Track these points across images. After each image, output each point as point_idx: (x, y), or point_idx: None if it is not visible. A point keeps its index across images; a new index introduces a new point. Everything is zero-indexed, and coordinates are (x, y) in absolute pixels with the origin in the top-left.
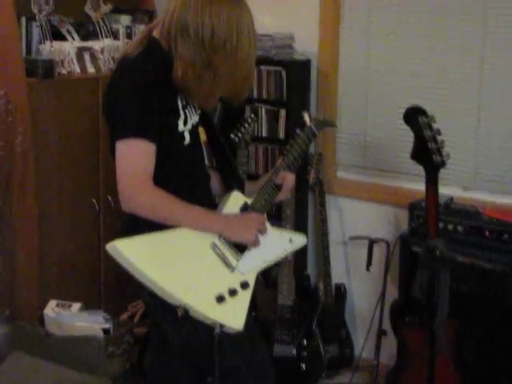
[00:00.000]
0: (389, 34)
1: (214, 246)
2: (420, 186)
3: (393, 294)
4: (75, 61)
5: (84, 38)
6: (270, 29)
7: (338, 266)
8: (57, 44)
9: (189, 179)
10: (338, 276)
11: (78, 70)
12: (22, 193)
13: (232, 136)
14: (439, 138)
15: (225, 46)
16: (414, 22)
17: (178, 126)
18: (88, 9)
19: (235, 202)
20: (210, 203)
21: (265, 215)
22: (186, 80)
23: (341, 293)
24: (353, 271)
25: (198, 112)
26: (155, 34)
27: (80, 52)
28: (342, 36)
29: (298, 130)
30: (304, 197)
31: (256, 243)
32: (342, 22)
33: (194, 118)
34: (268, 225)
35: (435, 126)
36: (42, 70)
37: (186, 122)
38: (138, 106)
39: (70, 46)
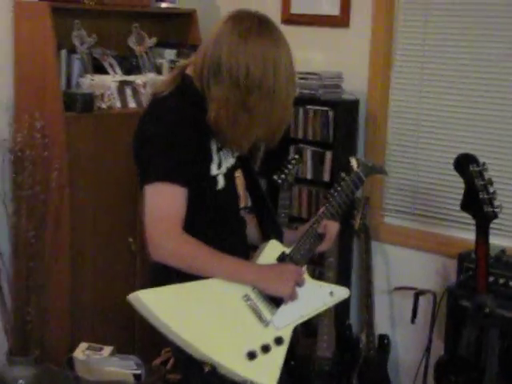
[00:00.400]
0: (443, 76)
1: (247, 299)
2: (471, 236)
3: (438, 348)
4: (116, 95)
5: (127, 72)
6: (317, 67)
7: (382, 316)
8: (98, 77)
9: (222, 226)
10: (381, 327)
11: (118, 104)
12: (56, 230)
13: (275, 177)
14: (491, 188)
15: (260, 87)
16: (471, 65)
17: (210, 169)
18: (132, 42)
19: (272, 251)
20: (245, 252)
21: (304, 267)
22: (220, 122)
23: (384, 344)
24: (397, 322)
25: (235, 155)
26: (189, 71)
27: (122, 86)
28: (393, 75)
29: (343, 174)
30: (349, 243)
31: (293, 297)
32: (393, 60)
33: (229, 161)
34: (307, 276)
35: (487, 175)
36: (80, 104)
37: (219, 166)
38: (168, 148)
39: (111, 80)
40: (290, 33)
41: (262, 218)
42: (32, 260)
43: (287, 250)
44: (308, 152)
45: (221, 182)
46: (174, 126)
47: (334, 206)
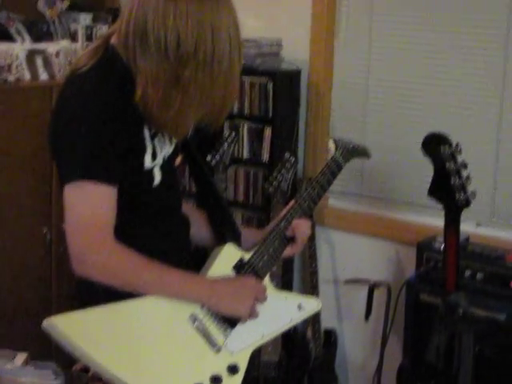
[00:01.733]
0: (394, 42)
1: (194, 319)
2: (431, 221)
3: (393, 348)
4: (25, 65)
5: (37, 39)
6: (253, 33)
7: (328, 309)
8: (3, 45)
9: (160, 230)
10: (328, 321)
11: (28, 76)
12: None
13: (208, 158)
14: (464, 172)
15: (196, 57)
16: (425, 29)
17: (144, 162)
18: (42, 5)
19: (227, 258)
20: (188, 260)
21: (267, 277)
22: (148, 103)
23: (331, 341)
24: (344, 316)
25: (173, 141)
26: (114, 40)
27: (31, 55)
28: (337, 42)
29: (287, 155)
30: None
31: (251, 316)
32: (338, 24)
33: (165, 150)
34: (269, 287)
35: (460, 157)
36: None
37: (154, 156)
38: (91, 139)
39: (19, 48)
40: None
41: (212, 214)
42: None
43: (246, 256)
44: (245, 128)
45: (157, 177)
46: (97, 108)
47: (305, 200)
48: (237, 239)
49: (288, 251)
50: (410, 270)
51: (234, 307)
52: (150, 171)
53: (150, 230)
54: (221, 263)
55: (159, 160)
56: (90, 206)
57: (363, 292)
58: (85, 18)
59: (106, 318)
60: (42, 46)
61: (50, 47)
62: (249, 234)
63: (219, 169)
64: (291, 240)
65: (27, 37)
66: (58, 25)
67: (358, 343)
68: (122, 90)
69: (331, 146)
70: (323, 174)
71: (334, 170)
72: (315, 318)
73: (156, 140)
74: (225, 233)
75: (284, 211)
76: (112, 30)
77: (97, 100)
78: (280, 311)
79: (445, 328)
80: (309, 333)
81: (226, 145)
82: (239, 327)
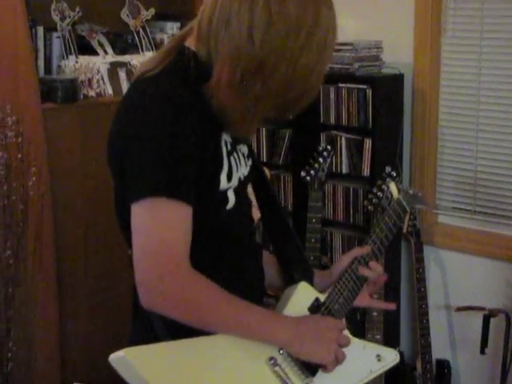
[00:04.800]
0: (507, 40)
1: (273, 363)
2: None
3: None
4: (107, 80)
5: (120, 51)
6: (351, 36)
7: (439, 338)
8: (84, 59)
9: (233, 260)
10: (439, 351)
11: (109, 91)
12: (38, 247)
13: (303, 174)
14: None
15: (285, 45)
16: None
17: (219, 181)
18: (125, 15)
19: (302, 298)
20: (262, 296)
21: (343, 320)
22: (221, 89)
23: (444, 373)
24: (458, 346)
25: (249, 163)
26: (189, 43)
27: (114, 69)
28: (444, 42)
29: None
30: (396, 249)
31: (335, 363)
32: (444, 24)
33: (241, 171)
34: (348, 334)
35: None
36: (61, 93)
37: (230, 177)
38: (164, 150)
39: (101, 62)
40: None
41: (282, 251)
42: (11, 285)
43: (322, 297)
44: (342, 141)
45: (231, 200)
46: (170, 115)
47: (375, 243)
48: (309, 279)
49: (361, 301)
50: None
51: (317, 352)
52: (225, 193)
53: (221, 262)
54: (295, 304)
55: (234, 182)
56: (162, 227)
57: (479, 319)
58: (172, 27)
59: (181, 353)
60: (125, 58)
61: (134, 59)
62: (319, 275)
63: (314, 186)
64: (363, 282)
65: (110, 49)
66: (143, 35)
67: (474, 377)
68: (198, 94)
69: (393, 188)
70: (389, 216)
71: (399, 212)
72: (425, 348)
73: (232, 159)
74: (295, 271)
75: (352, 253)
76: (185, 30)
77: (169, 106)
78: (359, 361)
79: None
80: (418, 364)
81: (321, 159)
82: (320, 375)
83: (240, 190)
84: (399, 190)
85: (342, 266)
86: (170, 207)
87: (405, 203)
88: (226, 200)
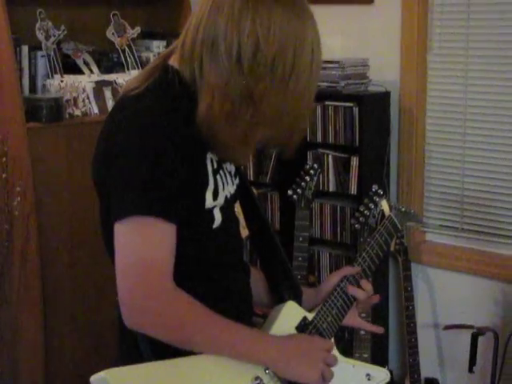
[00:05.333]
0: (492, 57)
1: (259, 383)
2: None
3: None
4: (92, 98)
5: (106, 70)
6: (337, 53)
7: (428, 357)
8: (69, 78)
9: (219, 279)
10: (428, 370)
11: (95, 110)
12: (22, 268)
13: (290, 193)
14: None
15: (273, 70)
16: None
17: (205, 199)
18: (111, 34)
19: (289, 317)
20: (251, 315)
21: (332, 340)
22: (212, 119)
23: None
24: (448, 364)
25: (236, 181)
26: (173, 61)
27: (99, 88)
28: (431, 60)
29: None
30: (383, 267)
31: (322, 383)
32: (431, 42)
33: (227, 189)
34: (336, 352)
35: None
36: (46, 112)
37: (216, 195)
38: (148, 168)
39: (86, 81)
40: None
41: (271, 270)
42: None
43: (309, 316)
44: (329, 159)
45: (217, 218)
46: (154, 133)
47: (365, 261)
48: (298, 297)
49: (351, 320)
50: None
51: (304, 372)
52: (210, 211)
53: (207, 281)
54: (282, 323)
55: (220, 200)
56: (146, 246)
57: (467, 337)
58: (158, 46)
59: (160, 374)
60: (111, 77)
61: (120, 78)
62: (308, 293)
63: (301, 204)
64: (354, 300)
65: (95, 68)
66: (129, 54)
67: None
68: (183, 112)
69: (385, 205)
70: (380, 233)
71: (390, 230)
72: (414, 366)
73: (218, 177)
74: (283, 289)
75: (341, 271)
76: (170, 49)
77: (153, 123)
78: (349, 380)
79: None
80: (407, 383)
81: (308, 178)
82: None
83: (227, 209)
84: (391, 208)
85: (330, 285)
86: (154, 226)
87: (396, 221)
88: (212, 218)
